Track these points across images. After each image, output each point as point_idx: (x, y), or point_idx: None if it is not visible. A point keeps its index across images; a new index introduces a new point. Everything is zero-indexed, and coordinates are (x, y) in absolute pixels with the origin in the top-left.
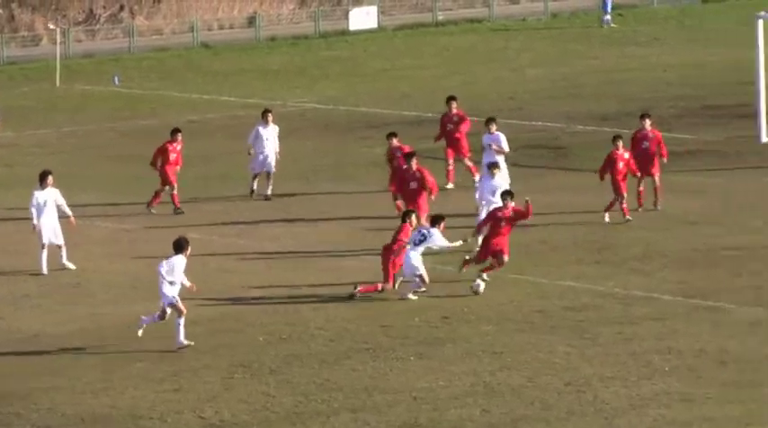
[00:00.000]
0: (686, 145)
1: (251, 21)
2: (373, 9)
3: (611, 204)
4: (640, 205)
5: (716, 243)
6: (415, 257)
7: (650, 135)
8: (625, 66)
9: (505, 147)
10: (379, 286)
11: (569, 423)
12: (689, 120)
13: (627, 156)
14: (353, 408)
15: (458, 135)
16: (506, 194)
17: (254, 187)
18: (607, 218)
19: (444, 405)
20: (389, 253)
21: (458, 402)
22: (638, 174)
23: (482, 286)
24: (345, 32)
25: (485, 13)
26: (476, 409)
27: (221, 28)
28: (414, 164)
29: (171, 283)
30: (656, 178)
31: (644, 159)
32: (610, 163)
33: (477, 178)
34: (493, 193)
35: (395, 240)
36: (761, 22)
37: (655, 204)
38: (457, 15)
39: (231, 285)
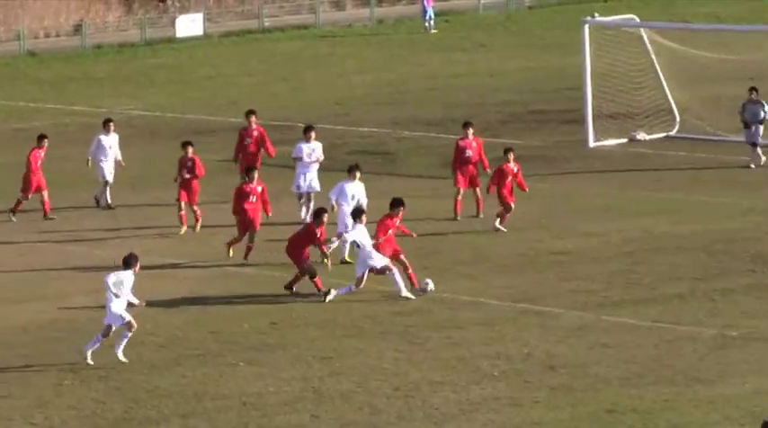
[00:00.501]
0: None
1: (77, 28)
2: (199, 16)
3: (502, 216)
4: (458, 214)
5: (543, 247)
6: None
7: (473, 144)
8: (451, 73)
9: (321, 157)
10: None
11: (399, 427)
12: (515, 125)
13: (516, 169)
14: (184, 414)
15: (253, 148)
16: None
17: (101, 196)
18: (500, 227)
19: (274, 410)
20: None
21: (287, 408)
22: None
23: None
24: (172, 40)
25: (311, 19)
26: (305, 415)
27: (47, 36)
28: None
29: (116, 296)
30: (478, 190)
31: (466, 168)
32: (500, 175)
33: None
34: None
35: (312, 236)
36: (587, 28)
37: (477, 213)
38: (283, 22)
39: (61, 292)
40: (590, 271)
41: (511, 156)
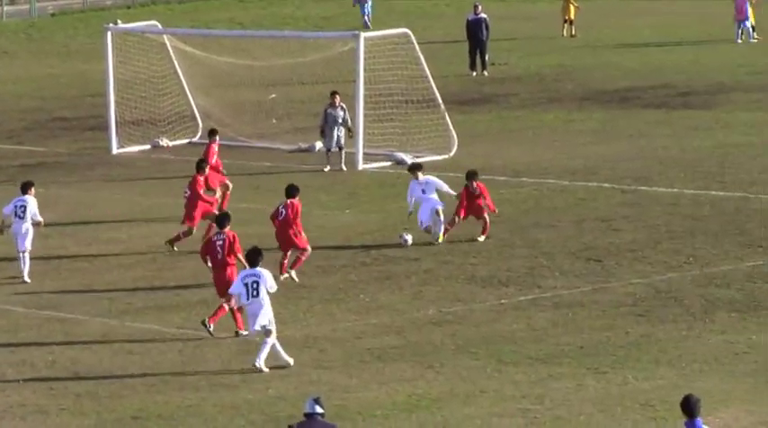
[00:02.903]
0: (36, 157)
1: None
2: None
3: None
4: None
5: (67, 254)
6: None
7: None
8: None
9: None
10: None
11: None
12: (39, 132)
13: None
14: None
15: None
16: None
17: None
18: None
19: None
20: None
21: None
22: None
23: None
24: None
25: None
26: None
27: None
28: None
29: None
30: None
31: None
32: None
33: None
34: None
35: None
36: (109, 34)
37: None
38: None
39: None
40: (114, 278)
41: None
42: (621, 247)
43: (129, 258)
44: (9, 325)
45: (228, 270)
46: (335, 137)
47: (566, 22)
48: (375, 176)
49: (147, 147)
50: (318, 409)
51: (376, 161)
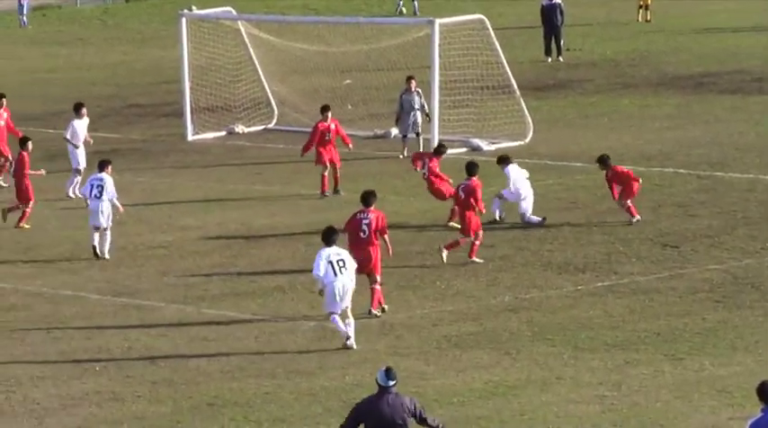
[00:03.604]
0: (111, 143)
1: None
2: None
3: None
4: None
5: (142, 241)
6: None
7: (332, 125)
8: (49, 67)
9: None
10: None
11: (1, 424)
12: (114, 119)
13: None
14: None
15: None
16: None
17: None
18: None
19: None
20: None
21: None
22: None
23: None
24: None
25: None
26: None
27: None
28: None
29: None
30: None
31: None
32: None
33: None
34: None
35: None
36: (184, 20)
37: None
38: None
39: None
40: (190, 265)
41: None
42: (698, 233)
43: (204, 244)
44: (85, 312)
45: (372, 249)
46: (411, 122)
47: (641, 7)
48: (451, 162)
49: (223, 133)
50: (391, 382)
51: (452, 147)
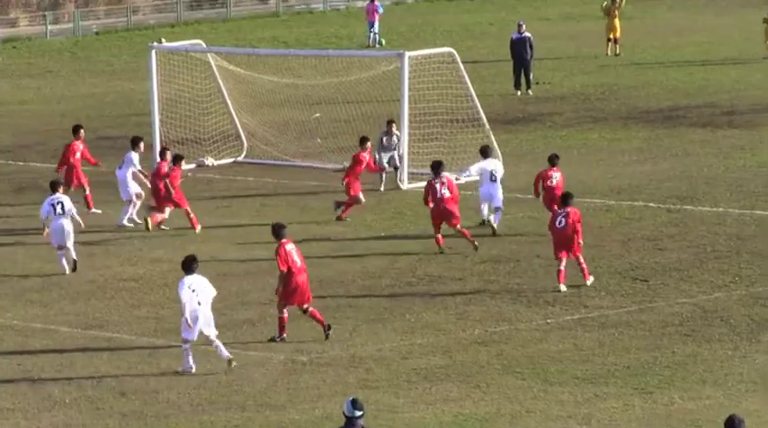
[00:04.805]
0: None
1: None
2: None
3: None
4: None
5: (112, 274)
6: None
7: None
8: (19, 99)
9: None
10: None
11: None
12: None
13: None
14: None
15: None
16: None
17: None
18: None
19: None
20: None
21: None
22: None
23: None
24: None
25: None
26: None
27: None
28: None
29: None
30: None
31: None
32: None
33: None
34: None
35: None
36: (153, 53)
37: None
38: None
39: None
40: (160, 298)
41: (368, 144)
42: (667, 267)
43: (175, 277)
44: (55, 344)
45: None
46: (389, 157)
47: (609, 40)
48: (420, 196)
49: (192, 166)
50: (357, 412)
51: (421, 181)
